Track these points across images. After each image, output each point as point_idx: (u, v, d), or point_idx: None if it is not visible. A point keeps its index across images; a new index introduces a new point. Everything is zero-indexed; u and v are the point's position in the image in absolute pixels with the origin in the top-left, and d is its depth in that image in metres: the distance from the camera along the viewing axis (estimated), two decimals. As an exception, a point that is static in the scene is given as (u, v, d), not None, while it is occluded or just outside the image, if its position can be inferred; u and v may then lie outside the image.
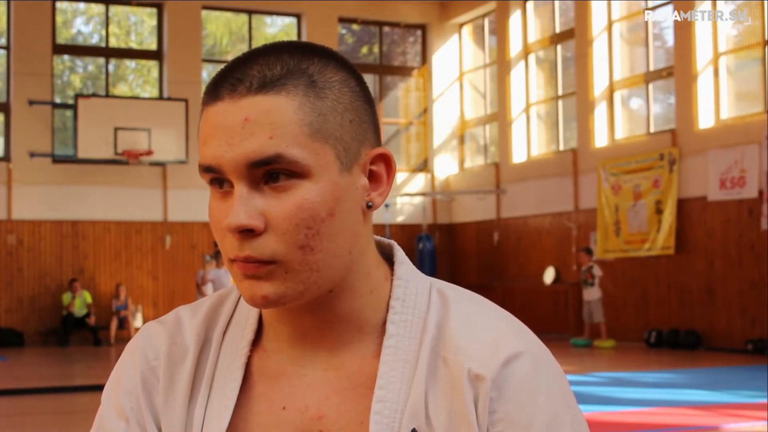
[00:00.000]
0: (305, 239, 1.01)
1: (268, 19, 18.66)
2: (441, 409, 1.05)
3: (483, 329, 1.08)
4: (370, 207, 1.07)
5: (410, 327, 1.09)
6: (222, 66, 1.08)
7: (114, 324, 15.91)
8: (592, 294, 14.44)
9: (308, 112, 1.02)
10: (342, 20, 18.59)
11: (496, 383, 1.04)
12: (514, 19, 17.34)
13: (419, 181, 18.87)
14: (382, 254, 1.14)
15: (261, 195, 1.02)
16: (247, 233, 1.01)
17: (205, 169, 1.04)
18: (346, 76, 1.06)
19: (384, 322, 1.10)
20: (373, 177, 1.08)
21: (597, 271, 14.39)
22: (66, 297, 15.84)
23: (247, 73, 1.03)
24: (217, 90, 1.04)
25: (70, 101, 16.58)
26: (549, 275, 16.28)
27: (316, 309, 1.08)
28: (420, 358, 1.07)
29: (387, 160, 1.09)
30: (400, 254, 1.14)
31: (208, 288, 15.12)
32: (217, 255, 15.28)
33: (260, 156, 1.00)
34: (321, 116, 1.02)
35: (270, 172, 1.01)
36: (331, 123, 1.03)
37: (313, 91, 1.03)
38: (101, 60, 17.40)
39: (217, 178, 1.04)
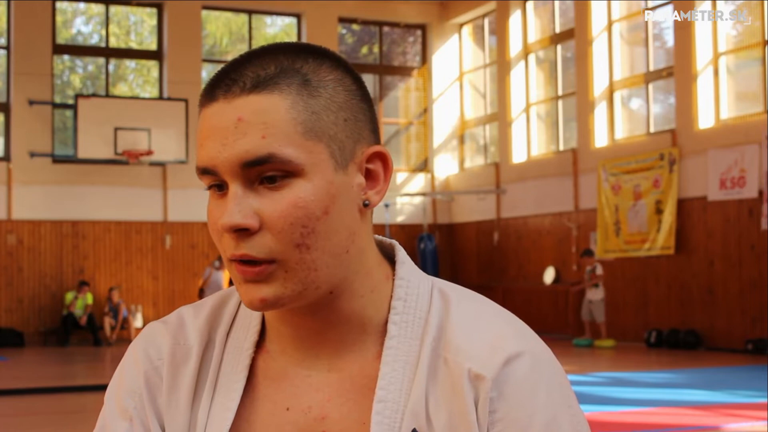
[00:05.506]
0: (300, 238, 1.01)
1: (268, 19, 18.66)
2: (441, 410, 1.05)
3: (483, 329, 1.08)
4: (366, 205, 1.07)
5: (411, 327, 1.09)
6: (220, 67, 1.08)
7: (108, 324, 15.90)
8: (596, 294, 14.45)
9: (301, 111, 1.02)
10: (342, 20, 18.60)
11: (496, 383, 1.04)
12: (514, 19, 17.34)
13: (419, 181, 18.87)
14: (383, 254, 1.14)
15: (256, 194, 1.02)
16: (242, 232, 1.01)
17: (202, 171, 1.04)
18: (342, 75, 1.06)
19: (386, 322, 1.10)
20: (369, 175, 1.08)
21: (599, 270, 14.40)
22: (69, 296, 15.84)
23: (242, 73, 1.03)
24: (212, 92, 1.04)
25: (70, 101, 16.58)
26: (549, 275, 16.28)
27: (317, 311, 1.08)
28: (421, 359, 1.07)
29: (383, 158, 1.08)
30: (401, 254, 1.14)
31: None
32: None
33: (253, 156, 1.00)
34: (314, 114, 1.03)
35: (264, 172, 1.01)
36: (325, 121, 1.03)
37: (306, 89, 1.03)
38: (101, 60, 17.40)
39: (216, 183, 1.04)
